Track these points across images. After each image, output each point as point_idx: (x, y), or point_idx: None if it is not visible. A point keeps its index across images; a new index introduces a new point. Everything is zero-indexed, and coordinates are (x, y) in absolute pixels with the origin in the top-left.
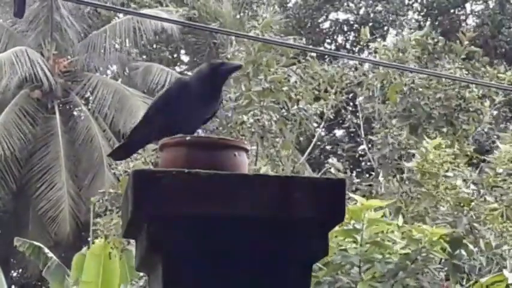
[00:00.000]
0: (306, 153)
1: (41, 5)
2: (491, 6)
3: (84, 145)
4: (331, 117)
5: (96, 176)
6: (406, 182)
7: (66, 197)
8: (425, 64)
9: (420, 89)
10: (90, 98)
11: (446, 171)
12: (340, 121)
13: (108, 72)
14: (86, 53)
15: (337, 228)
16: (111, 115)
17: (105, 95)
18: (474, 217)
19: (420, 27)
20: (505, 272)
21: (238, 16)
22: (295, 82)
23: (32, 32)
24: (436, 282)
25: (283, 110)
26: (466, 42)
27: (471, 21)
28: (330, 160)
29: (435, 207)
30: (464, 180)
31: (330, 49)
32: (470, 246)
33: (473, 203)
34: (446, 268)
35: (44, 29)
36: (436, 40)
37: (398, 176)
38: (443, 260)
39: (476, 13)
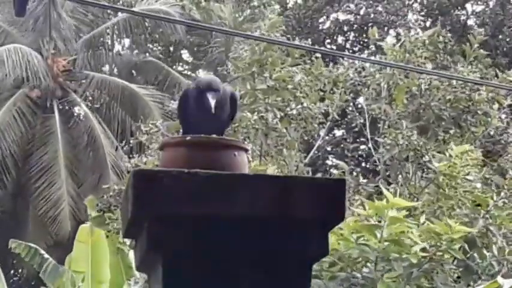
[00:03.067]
0: (310, 154)
1: (40, 3)
2: (491, 6)
3: (85, 144)
4: (337, 117)
5: (102, 176)
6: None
7: (65, 196)
8: (438, 65)
9: (430, 91)
10: (90, 97)
11: (467, 174)
12: (342, 122)
13: (108, 70)
14: (86, 51)
15: (358, 223)
16: (112, 114)
17: (105, 93)
18: (490, 219)
19: (421, 28)
20: (499, 278)
21: (237, 15)
22: (301, 80)
23: (30, 31)
24: (448, 284)
25: (288, 109)
26: (476, 45)
27: (472, 21)
28: (329, 161)
29: (452, 209)
30: (484, 182)
31: (331, 49)
32: (484, 251)
33: (491, 205)
34: (460, 269)
35: (43, 28)
36: (446, 39)
37: (419, 174)
38: (455, 261)
39: (477, 13)
